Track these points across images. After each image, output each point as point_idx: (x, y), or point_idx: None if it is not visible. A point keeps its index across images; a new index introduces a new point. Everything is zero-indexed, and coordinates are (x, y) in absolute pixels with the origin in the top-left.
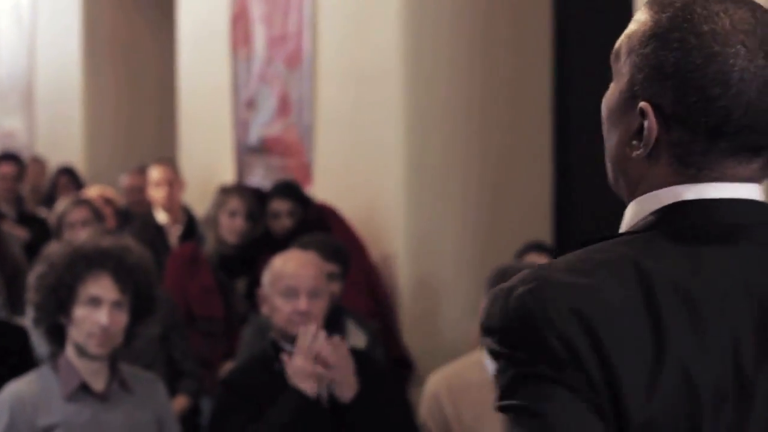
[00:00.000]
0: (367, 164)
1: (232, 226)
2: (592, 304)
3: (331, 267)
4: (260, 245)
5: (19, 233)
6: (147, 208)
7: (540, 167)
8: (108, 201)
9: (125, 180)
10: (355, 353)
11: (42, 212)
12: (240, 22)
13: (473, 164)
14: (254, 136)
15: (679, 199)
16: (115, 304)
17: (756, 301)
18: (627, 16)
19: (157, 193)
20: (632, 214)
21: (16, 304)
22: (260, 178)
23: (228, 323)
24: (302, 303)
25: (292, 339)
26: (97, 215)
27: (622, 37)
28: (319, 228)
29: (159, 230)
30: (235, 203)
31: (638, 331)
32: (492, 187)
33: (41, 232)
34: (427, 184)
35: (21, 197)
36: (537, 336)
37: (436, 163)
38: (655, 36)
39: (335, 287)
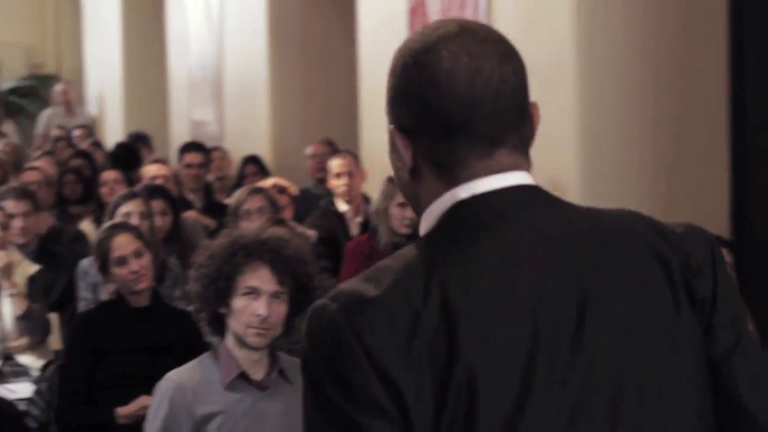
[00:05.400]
0: (542, 160)
1: (402, 217)
2: (376, 318)
3: None
4: None
5: (205, 222)
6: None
7: (716, 159)
8: (283, 190)
9: (310, 149)
10: None
11: (229, 201)
12: (417, 15)
13: (647, 157)
14: None
15: (457, 199)
16: (274, 295)
17: (540, 282)
18: None
19: (338, 183)
20: (425, 226)
21: None
22: None
23: None
24: None
25: None
26: (272, 204)
27: None
28: None
29: (340, 219)
30: None
31: (425, 340)
32: (667, 180)
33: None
34: (602, 178)
35: (209, 186)
36: (340, 347)
37: (611, 158)
38: (389, 73)
39: None
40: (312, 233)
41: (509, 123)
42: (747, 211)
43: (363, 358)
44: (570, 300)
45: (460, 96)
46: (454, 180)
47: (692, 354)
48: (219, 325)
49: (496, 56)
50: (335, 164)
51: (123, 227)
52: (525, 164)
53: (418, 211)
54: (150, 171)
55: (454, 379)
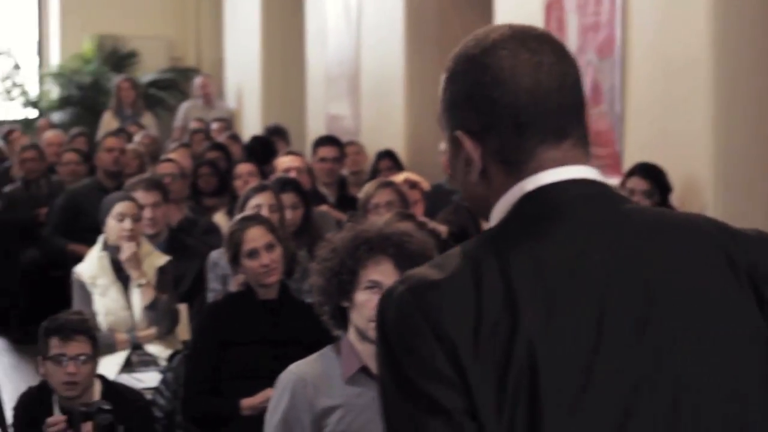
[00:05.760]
0: (676, 154)
1: None
2: (442, 298)
3: None
4: None
5: (337, 216)
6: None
7: None
8: (414, 185)
9: (444, 144)
10: None
11: None
12: (554, 10)
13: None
14: None
15: (524, 191)
16: None
17: (608, 275)
18: None
19: None
20: (494, 221)
21: None
22: None
23: None
24: None
25: None
26: (401, 198)
27: None
28: None
29: (471, 215)
30: None
31: (489, 323)
32: None
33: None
34: (735, 172)
35: (343, 180)
36: (414, 331)
37: (744, 151)
38: (446, 80)
39: None
40: (443, 229)
41: (573, 116)
42: None
43: (430, 334)
44: (635, 290)
45: (527, 91)
46: (522, 174)
47: (756, 352)
48: (341, 319)
49: (552, 52)
50: None
51: (256, 220)
52: (588, 158)
53: (486, 213)
54: (283, 163)
55: (516, 361)
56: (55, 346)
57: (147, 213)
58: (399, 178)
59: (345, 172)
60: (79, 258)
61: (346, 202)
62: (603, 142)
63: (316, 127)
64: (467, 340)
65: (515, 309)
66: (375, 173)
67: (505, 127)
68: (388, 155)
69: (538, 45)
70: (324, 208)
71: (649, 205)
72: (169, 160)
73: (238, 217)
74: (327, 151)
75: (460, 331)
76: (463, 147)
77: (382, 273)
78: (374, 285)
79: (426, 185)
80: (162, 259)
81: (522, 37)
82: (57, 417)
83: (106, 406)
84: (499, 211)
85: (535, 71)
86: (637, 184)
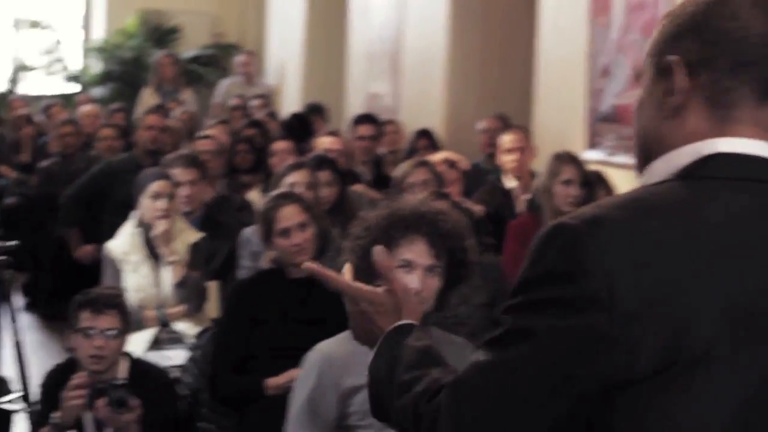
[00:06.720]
0: None
1: (566, 195)
2: (647, 246)
3: None
4: None
5: (372, 195)
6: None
7: None
8: (453, 164)
9: (482, 124)
10: None
11: None
12: None
13: None
14: (607, 104)
15: (716, 150)
16: (428, 269)
17: None
18: None
19: (508, 159)
20: (668, 166)
21: None
22: (610, 147)
23: None
24: None
25: None
26: (437, 178)
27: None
28: None
29: (507, 196)
30: (569, 171)
31: (680, 276)
32: None
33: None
34: None
35: (380, 159)
36: (582, 268)
37: None
38: (670, 17)
39: None
40: (479, 208)
41: None
42: None
43: (601, 275)
44: None
45: (758, 33)
46: (723, 122)
47: None
48: None
49: None
50: (506, 140)
51: (290, 198)
52: None
53: (650, 157)
54: (323, 143)
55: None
56: (85, 318)
57: (184, 190)
58: (438, 157)
59: (382, 150)
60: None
61: (383, 181)
62: None
63: (355, 105)
64: (629, 285)
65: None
66: (412, 152)
67: (725, 63)
68: (425, 134)
69: None
70: (359, 187)
71: None
72: (207, 137)
73: (272, 194)
74: (365, 130)
75: (624, 274)
76: (671, 76)
77: (416, 252)
78: (407, 264)
79: (466, 164)
80: (196, 235)
81: None
82: (80, 376)
83: (119, 382)
84: (666, 163)
85: None
86: None
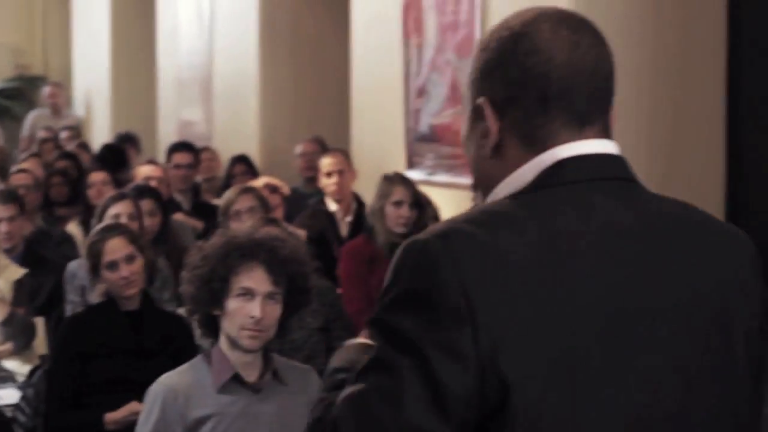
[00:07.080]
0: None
1: (398, 216)
2: (499, 256)
3: None
4: None
5: (192, 224)
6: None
7: (711, 151)
8: (275, 189)
9: (299, 147)
10: None
11: (218, 202)
12: (412, 10)
13: (641, 153)
14: (425, 124)
15: (556, 159)
16: (268, 296)
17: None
18: None
19: (328, 183)
20: (503, 192)
21: None
22: (430, 167)
23: None
24: None
25: None
26: (263, 204)
27: None
28: None
29: (330, 219)
30: (400, 192)
31: (534, 283)
32: (663, 168)
33: (216, 222)
34: None
35: (197, 187)
36: (437, 280)
37: None
38: (480, 51)
39: None
40: (302, 233)
41: (600, 105)
42: (741, 199)
43: (456, 285)
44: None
45: (560, 65)
46: (538, 153)
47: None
48: (212, 327)
49: (593, 36)
50: (326, 163)
51: (116, 230)
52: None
53: (489, 190)
54: (143, 172)
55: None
56: None
57: (4, 227)
58: (259, 182)
59: (198, 178)
60: None
61: (201, 209)
62: (459, 141)
63: (167, 133)
64: (486, 293)
65: (558, 277)
66: (229, 179)
67: (530, 100)
68: (242, 160)
69: (579, 26)
70: (180, 216)
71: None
72: (23, 170)
73: (98, 227)
74: (181, 158)
75: (481, 284)
76: (483, 117)
77: (255, 280)
78: (246, 292)
79: (286, 189)
80: (18, 272)
81: (565, 16)
82: None
83: None
84: (509, 185)
85: (572, 49)
86: None
